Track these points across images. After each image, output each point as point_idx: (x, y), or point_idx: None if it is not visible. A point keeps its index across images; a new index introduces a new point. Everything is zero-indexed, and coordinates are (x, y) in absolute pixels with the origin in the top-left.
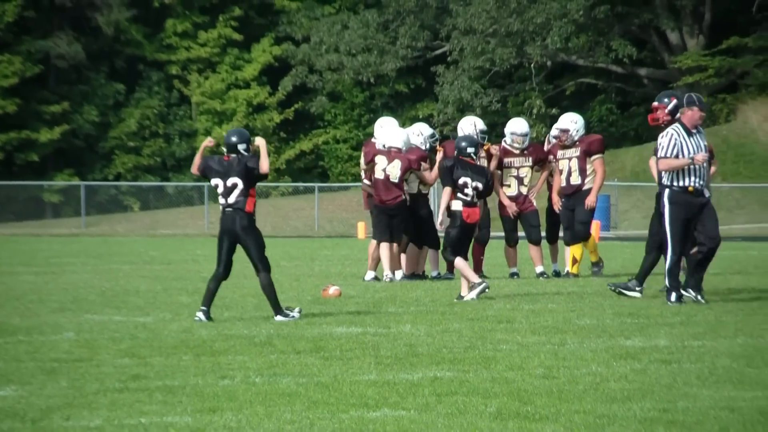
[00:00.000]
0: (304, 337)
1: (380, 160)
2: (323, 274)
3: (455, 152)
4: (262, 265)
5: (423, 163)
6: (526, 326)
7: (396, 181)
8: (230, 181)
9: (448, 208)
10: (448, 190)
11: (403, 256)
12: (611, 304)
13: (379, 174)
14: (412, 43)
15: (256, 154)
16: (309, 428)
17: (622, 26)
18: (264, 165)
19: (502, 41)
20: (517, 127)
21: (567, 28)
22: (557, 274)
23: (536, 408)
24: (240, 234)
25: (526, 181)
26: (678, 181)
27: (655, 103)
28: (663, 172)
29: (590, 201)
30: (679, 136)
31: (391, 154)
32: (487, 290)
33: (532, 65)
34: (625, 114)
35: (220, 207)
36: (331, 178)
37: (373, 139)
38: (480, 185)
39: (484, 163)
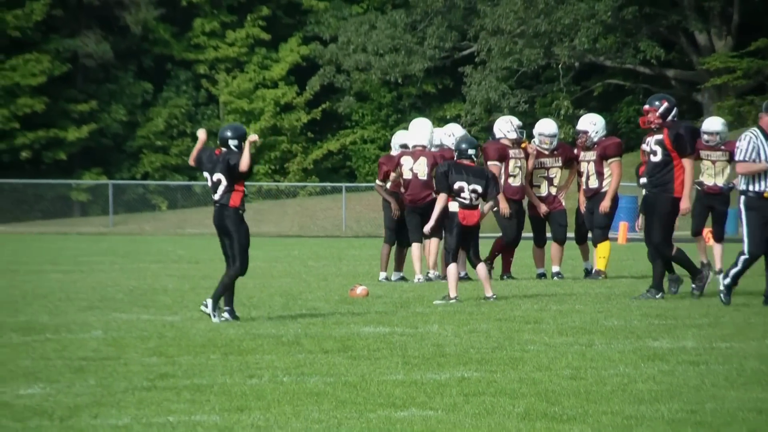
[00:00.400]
0: (331, 336)
1: (406, 161)
2: (351, 274)
3: (455, 154)
4: (240, 261)
5: None
6: (554, 327)
7: (425, 178)
8: (215, 177)
9: (446, 210)
10: (443, 196)
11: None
12: (639, 305)
13: (407, 174)
14: (439, 43)
15: (241, 151)
16: (336, 428)
17: (650, 27)
18: (243, 163)
19: (529, 42)
20: (545, 128)
21: (595, 29)
22: (588, 272)
23: (564, 409)
24: (228, 227)
25: (555, 181)
26: (753, 186)
27: (647, 107)
28: (740, 177)
29: (603, 206)
30: (757, 139)
31: (415, 153)
32: (450, 303)
33: (559, 66)
34: None
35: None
36: (358, 178)
37: (392, 152)
38: (479, 187)
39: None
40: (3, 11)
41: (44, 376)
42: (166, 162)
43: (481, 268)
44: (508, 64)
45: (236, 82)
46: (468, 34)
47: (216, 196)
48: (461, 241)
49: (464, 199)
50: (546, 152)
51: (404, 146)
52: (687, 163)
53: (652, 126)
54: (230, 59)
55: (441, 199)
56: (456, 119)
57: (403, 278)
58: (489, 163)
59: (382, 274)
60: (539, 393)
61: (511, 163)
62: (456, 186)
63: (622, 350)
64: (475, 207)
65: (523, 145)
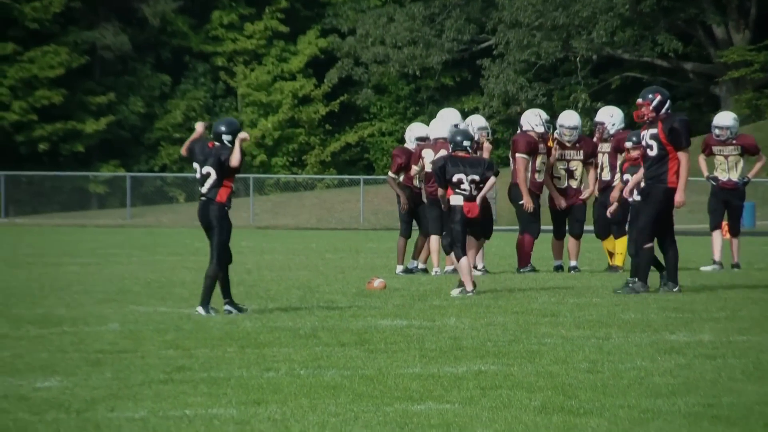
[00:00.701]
0: (348, 329)
1: (427, 154)
2: (368, 267)
3: (450, 147)
4: (218, 257)
5: None
6: (571, 320)
7: None
8: (205, 170)
9: (447, 202)
10: (440, 192)
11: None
12: (656, 298)
13: (429, 167)
14: (458, 36)
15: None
16: (353, 421)
17: (667, 20)
18: (234, 159)
19: (547, 35)
20: (566, 119)
21: (613, 22)
22: (614, 269)
23: (581, 402)
24: (212, 222)
25: (576, 174)
26: None
27: (640, 100)
28: None
29: (612, 196)
30: None
31: (437, 145)
32: (467, 295)
33: (577, 59)
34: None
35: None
36: (376, 171)
37: (407, 145)
38: (477, 177)
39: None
40: (21, 3)
41: (61, 368)
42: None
43: (464, 261)
44: (526, 56)
45: (254, 75)
46: (486, 27)
47: (203, 189)
48: (466, 231)
49: (464, 190)
50: (568, 144)
51: (421, 139)
52: (682, 156)
53: (646, 119)
54: (248, 51)
55: (441, 195)
56: (474, 112)
57: (424, 270)
58: (517, 155)
59: (399, 267)
60: (556, 386)
61: (539, 158)
62: (455, 178)
63: (639, 344)
64: (475, 198)
65: (549, 143)
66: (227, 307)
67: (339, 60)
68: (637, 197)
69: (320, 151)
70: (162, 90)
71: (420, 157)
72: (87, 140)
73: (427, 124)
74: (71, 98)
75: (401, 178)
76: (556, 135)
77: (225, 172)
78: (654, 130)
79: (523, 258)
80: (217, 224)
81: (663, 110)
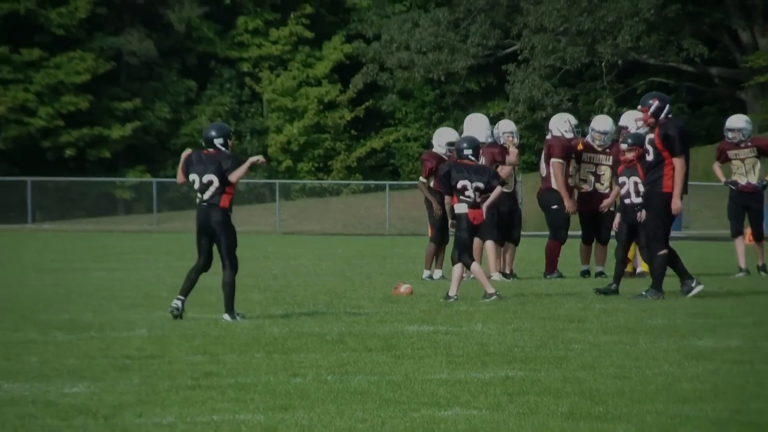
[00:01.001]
0: (375, 335)
1: None
2: (394, 272)
3: (455, 154)
4: (229, 262)
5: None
6: (598, 325)
7: None
8: (206, 178)
9: (452, 210)
10: (447, 199)
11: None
12: (682, 304)
13: None
14: (482, 41)
15: (234, 156)
16: (380, 427)
17: (693, 25)
18: (235, 176)
19: (573, 40)
20: (598, 124)
21: (638, 27)
22: (640, 273)
23: (608, 408)
24: (214, 228)
25: (603, 179)
26: None
27: (639, 106)
28: None
29: (605, 203)
30: None
31: None
32: (495, 299)
33: (602, 64)
34: (697, 113)
35: (197, 201)
36: (401, 176)
37: (435, 149)
38: (481, 184)
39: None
40: (47, 9)
41: (89, 374)
42: None
43: (458, 268)
44: (552, 62)
45: (280, 80)
46: (511, 32)
47: (205, 196)
48: (473, 239)
49: (468, 197)
50: (599, 149)
51: (451, 144)
52: (677, 162)
53: (646, 125)
54: (274, 57)
55: (448, 201)
56: (499, 117)
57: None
58: (553, 160)
59: (426, 272)
60: (584, 392)
61: (571, 163)
62: (459, 185)
63: (667, 349)
64: (479, 205)
65: (579, 147)
66: (177, 303)
67: (364, 65)
68: (636, 200)
69: (346, 156)
70: (188, 96)
71: None
72: (113, 146)
73: (455, 129)
74: (97, 104)
75: (432, 183)
76: (587, 139)
77: (225, 180)
78: (651, 136)
79: (551, 264)
80: (221, 230)
81: (662, 116)
